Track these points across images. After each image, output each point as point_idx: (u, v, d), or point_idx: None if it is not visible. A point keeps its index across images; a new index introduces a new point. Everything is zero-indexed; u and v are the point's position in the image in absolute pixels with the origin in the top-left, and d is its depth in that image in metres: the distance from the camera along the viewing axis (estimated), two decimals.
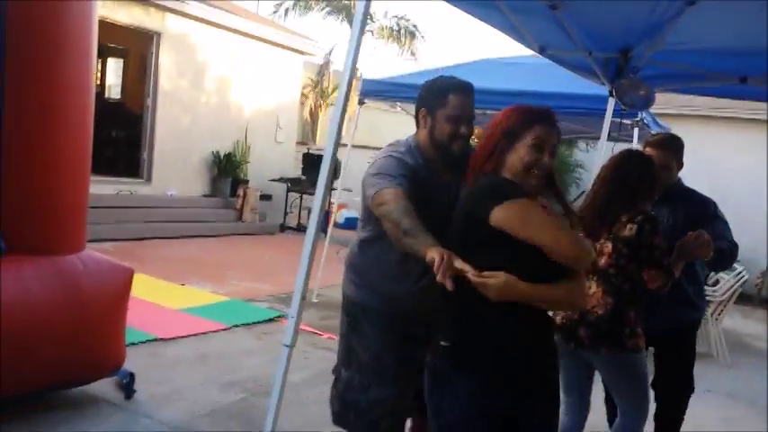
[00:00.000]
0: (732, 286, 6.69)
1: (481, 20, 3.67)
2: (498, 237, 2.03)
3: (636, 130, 6.28)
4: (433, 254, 1.93)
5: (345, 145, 7.52)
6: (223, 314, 6.04)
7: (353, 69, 2.57)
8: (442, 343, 2.13)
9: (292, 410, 3.97)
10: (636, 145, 6.12)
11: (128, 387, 3.92)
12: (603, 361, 2.95)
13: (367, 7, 2.56)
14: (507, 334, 2.11)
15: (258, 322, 5.98)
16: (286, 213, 12.49)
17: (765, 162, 10.23)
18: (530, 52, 4.43)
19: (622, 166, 3.02)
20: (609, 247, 2.91)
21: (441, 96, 2.54)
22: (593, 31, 3.86)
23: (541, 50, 4.17)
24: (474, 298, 2.03)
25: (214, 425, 3.80)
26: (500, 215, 2.01)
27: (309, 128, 19.73)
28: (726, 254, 3.21)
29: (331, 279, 7.33)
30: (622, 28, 3.77)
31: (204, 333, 5.43)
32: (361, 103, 6.94)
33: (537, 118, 2.13)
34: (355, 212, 12.36)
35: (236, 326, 5.75)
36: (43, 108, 3.11)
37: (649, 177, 3.01)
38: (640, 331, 2.94)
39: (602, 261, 2.92)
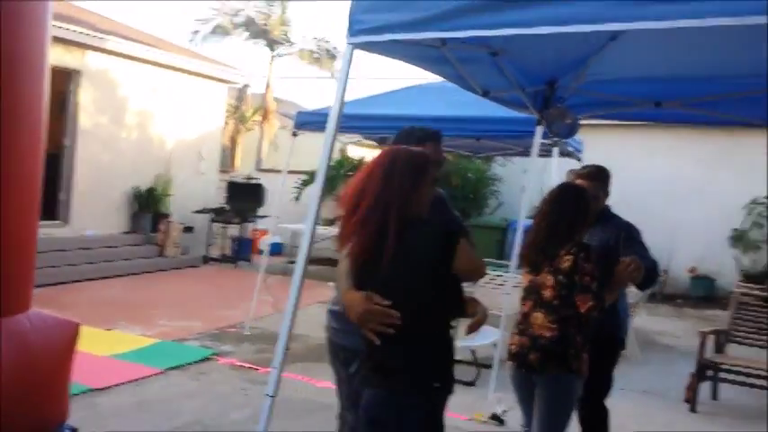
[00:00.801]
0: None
1: (433, 72, 4.02)
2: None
3: (555, 150, 6.59)
4: (356, 318, 2.29)
5: (279, 171, 7.56)
6: (156, 357, 5.85)
7: (341, 111, 2.93)
8: (436, 384, 2.29)
9: None
10: (556, 158, 6.44)
11: None
12: (547, 380, 3.07)
13: (350, 55, 2.86)
14: None
15: (192, 362, 5.82)
16: (209, 244, 12.26)
17: (666, 166, 10.88)
18: None
19: (560, 199, 3.21)
20: (551, 280, 3.06)
21: (419, 144, 2.74)
22: (526, 70, 4.14)
23: (485, 94, 4.45)
24: (441, 330, 2.32)
25: None
26: (463, 252, 2.30)
27: (229, 153, 19.46)
28: (652, 273, 3.45)
29: (263, 310, 7.27)
30: (552, 64, 4.03)
31: (139, 379, 5.25)
32: (294, 134, 6.95)
33: (430, 158, 2.48)
34: (279, 238, 12.22)
35: (171, 368, 5.58)
36: None
37: (585, 208, 3.19)
38: (585, 357, 3.08)
39: (546, 293, 3.08)
